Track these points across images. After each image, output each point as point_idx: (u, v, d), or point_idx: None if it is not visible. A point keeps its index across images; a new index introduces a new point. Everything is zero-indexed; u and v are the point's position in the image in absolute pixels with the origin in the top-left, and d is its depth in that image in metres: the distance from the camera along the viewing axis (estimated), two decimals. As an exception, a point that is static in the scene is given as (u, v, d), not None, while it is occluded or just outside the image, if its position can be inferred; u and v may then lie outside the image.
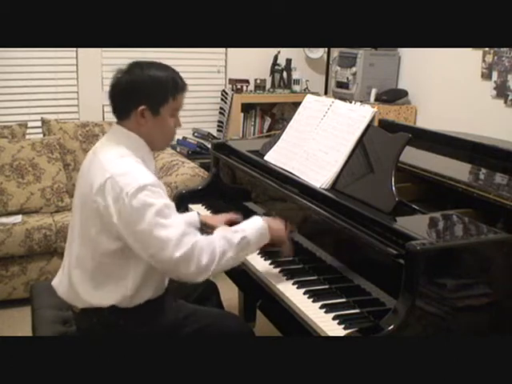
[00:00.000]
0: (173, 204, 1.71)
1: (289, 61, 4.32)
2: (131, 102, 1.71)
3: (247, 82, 4.23)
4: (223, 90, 4.28)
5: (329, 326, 1.54)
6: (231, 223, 2.16)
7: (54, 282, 1.85)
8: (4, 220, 3.07)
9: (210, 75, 4.30)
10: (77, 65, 3.88)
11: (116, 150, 1.72)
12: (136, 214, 1.60)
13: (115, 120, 1.79)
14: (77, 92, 3.92)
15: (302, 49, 4.40)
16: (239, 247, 1.72)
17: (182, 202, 2.53)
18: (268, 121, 4.42)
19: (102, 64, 3.91)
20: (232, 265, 1.74)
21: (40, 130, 3.62)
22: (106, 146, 1.75)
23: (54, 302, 1.95)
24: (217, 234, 1.74)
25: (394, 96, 4.02)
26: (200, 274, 1.66)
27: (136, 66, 1.73)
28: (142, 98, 1.70)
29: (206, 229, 2.20)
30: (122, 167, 1.66)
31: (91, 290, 1.72)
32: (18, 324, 2.83)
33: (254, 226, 1.79)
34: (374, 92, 4.01)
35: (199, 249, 1.64)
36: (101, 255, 1.69)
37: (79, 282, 1.73)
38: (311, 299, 1.68)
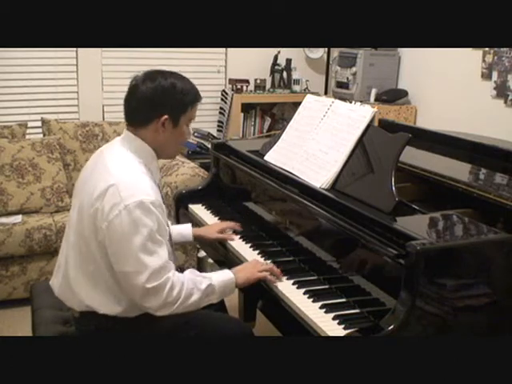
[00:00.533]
0: (166, 227, 1.71)
1: (289, 61, 4.32)
2: (154, 111, 1.70)
3: (247, 82, 4.23)
4: (223, 90, 4.28)
5: (329, 326, 1.54)
6: (224, 231, 2.16)
7: (52, 282, 1.85)
8: (4, 220, 3.07)
9: (210, 75, 4.30)
10: (77, 65, 3.87)
11: (124, 157, 1.71)
12: (127, 230, 1.60)
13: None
14: (77, 92, 3.92)
15: (302, 49, 4.40)
16: (204, 293, 1.72)
17: (182, 201, 2.54)
18: (268, 121, 4.42)
19: (102, 64, 3.91)
20: (192, 309, 1.73)
21: (40, 130, 3.61)
22: (115, 151, 1.74)
23: (54, 302, 1.95)
24: (186, 275, 1.73)
25: (394, 96, 4.02)
26: (161, 311, 1.66)
27: (157, 74, 1.72)
28: (165, 108, 1.70)
29: (198, 242, 2.21)
30: (127, 176, 1.66)
31: (88, 291, 1.71)
32: (18, 324, 2.83)
33: (222, 277, 1.79)
34: (373, 92, 4.02)
35: (170, 286, 1.64)
36: (93, 258, 1.69)
37: (77, 284, 1.73)
38: (311, 299, 1.68)
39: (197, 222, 2.38)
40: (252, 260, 1.93)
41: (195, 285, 1.71)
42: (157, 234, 1.63)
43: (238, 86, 4.20)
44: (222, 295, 1.81)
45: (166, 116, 1.70)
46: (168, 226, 1.80)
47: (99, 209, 1.63)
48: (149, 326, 1.73)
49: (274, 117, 4.46)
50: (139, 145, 1.74)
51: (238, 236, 2.15)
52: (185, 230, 2.17)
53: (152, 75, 1.72)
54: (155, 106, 1.70)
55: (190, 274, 1.76)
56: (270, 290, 1.80)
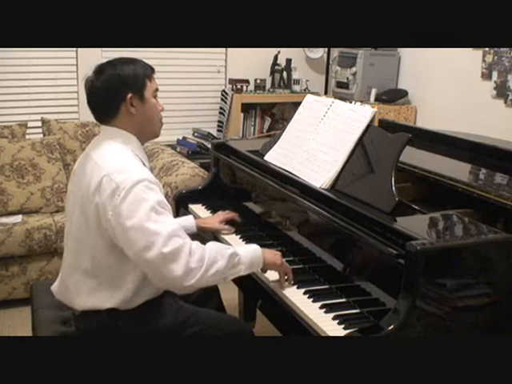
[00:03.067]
0: (167, 203, 1.70)
1: (289, 61, 4.32)
2: (117, 97, 1.73)
3: (247, 82, 4.23)
4: (223, 90, 4.28)
5: (329, 326, 1.55)
6: (227, 222, 2.17)
7: (53, 287, 1.85)
8: (4, 220, 3.07)
9: (210, 75, 4.30)
10: (77, 65, 3.87)
11: (109, 147, 1.73)
12: (130, 208, 1.60)
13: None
14: (77, 92, 3.91)
15: (302, 49, 4.40)
16: (230, 262, 1.68)
17: (182, 201, 2.54)
18: (268, 121, 4.41)
19: (102, 64, 3.92)
20: (218, 280, 1.68)
21: (40, 130, 3.62)
22: (99, 146, 1.76)
23: (54, 302, 1.95)
24: (208, 244, 1.70)
25: (393, 96, 4.02)
26: (186, 279, 1.59)
27: (105, 65, 1.75)
28: (125, 89, 1.72)
29: (202, 233, 2.21)
30: (117, 164, 1.67)
31: (90, 292, 1.72)
32: (17, 324, 2.83)
33: (249, 249, 1.77)
34: (373, 92, 4.01)
35: (188, 251, 1.61)
36: (98, 258, 1.69)
37: (78, 285, 1.73)
38: (311, 299, 1.68)
39: (197, 222, 2.38)
40: (273, 251, 1.87)
41: (219, 252, 1.67)
42: (158, 206, 1.63)
43: (238, 86, 4.19)
44: (250, 267, 1.74)
45: (129, 94, 1.72)
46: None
47: (99, 202, 1.64)
48: (150, 323, 1.74)
49: (274, 117, 4.45)
50: (119, 133, 1.75)
51: (239, 236, 2.16)
52: (187, 221, 2.16)
53: (100, 69, 1.75)
54: (115, 92, 1.72)
55: (213, 244, 1.72)
56: (269, 289, 1.80)
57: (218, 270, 1.65)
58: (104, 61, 1.79)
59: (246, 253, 1.74)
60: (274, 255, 1.81)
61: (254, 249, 1.78)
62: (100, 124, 1.80)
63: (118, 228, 1.62)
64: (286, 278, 1.79)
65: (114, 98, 1.73)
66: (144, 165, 1.76)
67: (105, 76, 1.72)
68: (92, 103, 1.76)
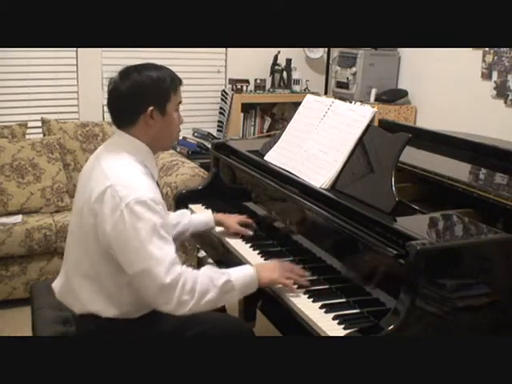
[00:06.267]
0: (169, 224, 1.69)
1: (289, 61, 4.32)
2: (138, 107, 1.69)
3: (247, 82, 4.23)
4: (223, 90, 4.28)
5: (329, 325, 1.54)
6: (245, 225, 2.16)
7: (54, 285, 1.85)
8: (4, 220, 3.07)
9: (210, 75, 4.30)
10: (77, 65, 3.87)
11: (119, 157, 1.69)
12: (131, 228, 1.57)
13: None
14: (77, 92, 3.92)
15: (302, 49, 4.40)
16: (222, 290, 1.66)
17: (182, 202, 2.54)
18: (268, 121, 4.42)
19: (102, 64, 3.91)
20: (211, 307, 1.67)
21: (40, 130, 3.61)
22: (109, 153, 1.73)
23: (54, 302, 1.94)
24: (203, 271, 1.68)
25: (394, 96, 4.02)
26: (177, 310, 1.61)
27: (131, 70, 1.71)
28: (148, 100, 1.68)
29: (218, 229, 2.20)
30: (123, 177, 1.64)
31: (89, 296, 1.70)
32: (17, 324, 2.82)
33: (243, 272, 1.72)
34: (373, 92, 4.02)
35: (183, 281, 1.59)
36: (96, 264, 1.67)
37: (78, 288, 1.72)
38: (311, 299, 1.68)
39: (197, 222, 2.38)
40: (281, 262, 1.85)
41: (211, 281, 1.65)
42: (161, 229, 1.60)
43: (238, 86, 4.20)
44: (243, 293, 1.73)
45: (151, 107, 1.69)
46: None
47: (99, 212, 1.61)
48: (149, 326, 1.73)
49: (274, 117, 4.46)
50: (132, 142, 1.72)
51: (239, 236, 2.15)
52: (207, 217, 2.16)
53: (126, 73, 1.70)
54: (138, 101, 1.69)
55: (207, 270, 1.70)
56: (270, 290, 1.80)
57: (209, 299, 1.64)
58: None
59: (240, 279, 1.70)
60: (272, 274, 1.74)
61: (249, 274, 1.72)
62: (117, 128, 1.76)
63: (116, 244, 1.60)
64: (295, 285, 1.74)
65: (136, 107, 1.69)
66: (152, 176, 1.73)
67: (130, 82, 1.68)
68: (112, 107, 1.74)
